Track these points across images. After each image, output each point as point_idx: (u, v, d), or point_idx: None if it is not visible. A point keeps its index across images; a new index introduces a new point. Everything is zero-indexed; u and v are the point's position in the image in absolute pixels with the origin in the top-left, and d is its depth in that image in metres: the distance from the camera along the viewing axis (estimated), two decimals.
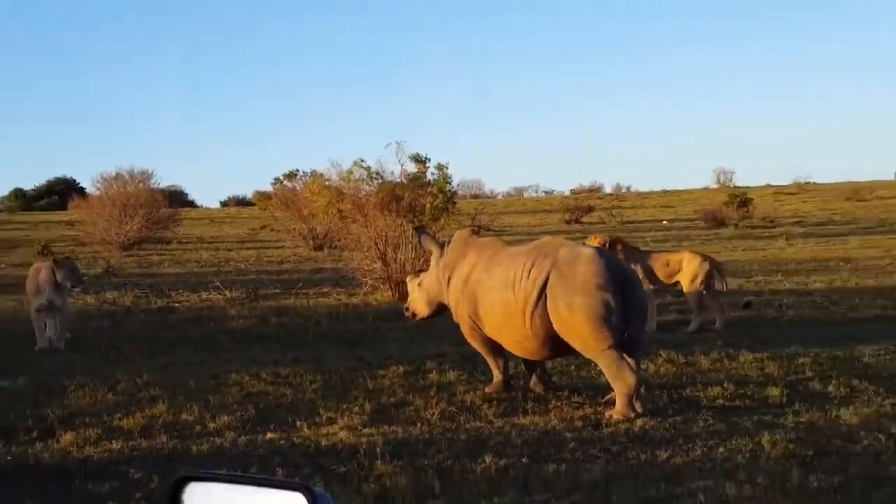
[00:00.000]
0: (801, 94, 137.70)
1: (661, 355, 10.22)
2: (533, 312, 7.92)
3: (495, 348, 8.76)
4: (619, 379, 7.63)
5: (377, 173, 18.43)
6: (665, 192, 71.89)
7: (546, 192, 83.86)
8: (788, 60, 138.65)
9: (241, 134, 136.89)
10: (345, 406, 8.23)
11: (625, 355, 7.68)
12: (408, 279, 10.30)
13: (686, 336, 12.21)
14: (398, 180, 18.34)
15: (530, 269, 8.04)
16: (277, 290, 17.95)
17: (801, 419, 7.54)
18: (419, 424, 7.58)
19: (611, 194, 72.66)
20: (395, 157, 18.52)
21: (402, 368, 9.80)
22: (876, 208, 49.15)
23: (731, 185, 69.71)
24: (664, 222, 44.30)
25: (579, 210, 46.15)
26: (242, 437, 7.26)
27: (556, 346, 8.05)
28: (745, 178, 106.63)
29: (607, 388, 8.11)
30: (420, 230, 10.84)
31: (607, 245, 12.66)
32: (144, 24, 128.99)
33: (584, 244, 8.99)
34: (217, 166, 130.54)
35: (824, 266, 21.98)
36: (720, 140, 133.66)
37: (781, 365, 9.73)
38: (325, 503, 1.77)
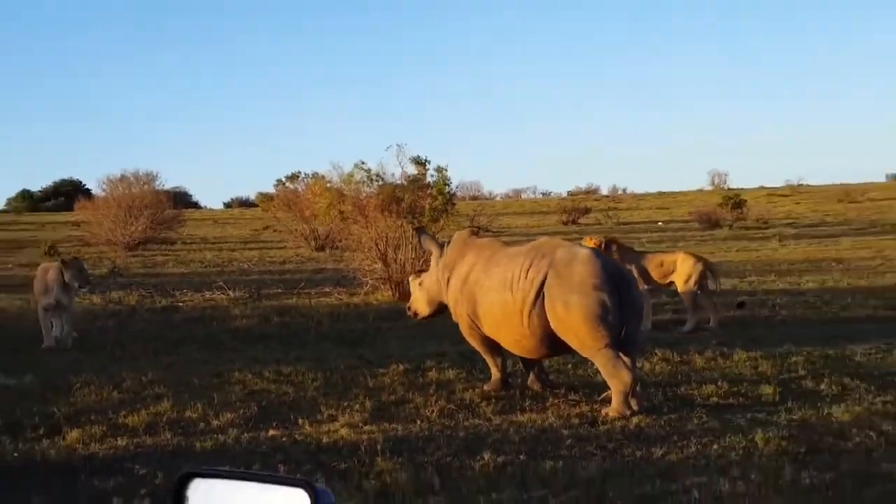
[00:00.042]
0: (794, 97, 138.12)
1: (656, 354, 10.23)
2: (531, 312, 7.93)
3: (493, 347, 8.76)
4: (616, 377, 7.63)
5: (377, 175, 18.44)
6: (660, 194, 71.89)
7: (543, 194, 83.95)
8: (782, 65, 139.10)
9: (244, 136, 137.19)
10: (346, 404, 8.24)
11: (621, 354, 7.68)
12: (410, 279, 10.30)
13: (681, 335, 12.21)
14: (398, 182, 18.34)
15: (528, 270, 8.04)
16: (280, 290, 17.94)
17: (794, 417, 7.54)
18: (419, 422, 7.59)
19: (607, 196, 72.76)
20: (396, 160, 18.52)
21: (402, 367, 9.80)
22: (867, 210, 49.14)
23: (726, 187, 69.73)
24: (660, 223, 44.29)
25: (576, 211, 46.16)
26: (245, 435, 7.26)
27: (553, 344, 8.06)
28: (739, 180, 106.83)
29: (604, 387, 8.11)
30: (420, 231, 10.84)
31: (603, 246, 12.65)
32: (149, 26, 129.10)
33: (580, 245, 8.99)
34: (220, 168, 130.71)
35: (817, 267, 21.97)
36: (715, 143, 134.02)
37: (774, 364, 9.73)
38: (327, 499, 1.77)
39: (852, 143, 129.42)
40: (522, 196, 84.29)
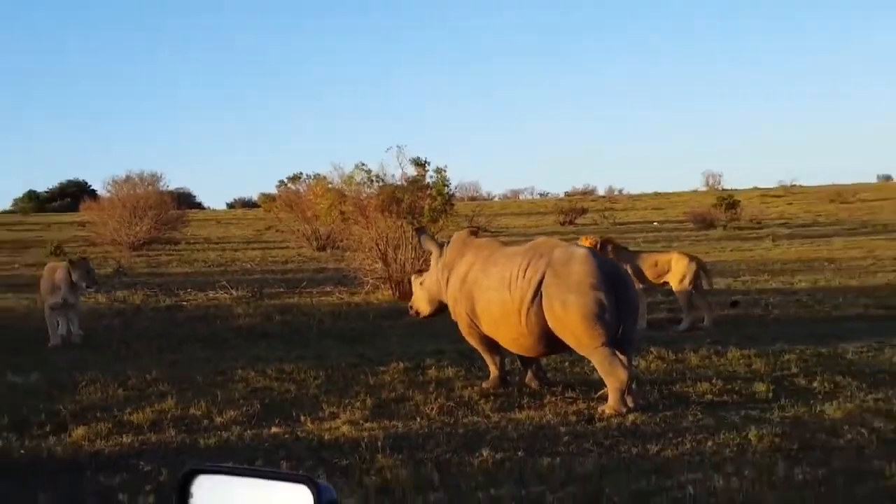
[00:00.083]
0: (788, 99, 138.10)
1: (651, 352, 10.23)
2: (528, 310, 7.93)
3: (492, 345, 8.76)
4: (612, 375, 7.64)
5: (378, 176, 18.45)
6: (656, 195, 71.90)
7: (541, 195, 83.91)
8: (775, 67, 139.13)
9: (247, 137, 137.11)
10: (347, 401, 8.24)
11: (617, 352, 7.69)
12: (412, 278, 10.30)
13: (676, 333, 12.21)
14: (398, 183, 18.34)
15: (526, 269, 8.04)
16: (282, 290, 17.94)
17: (787, 414, 7.55)
18: (419, 419, 7.59)
19: (604, 196, 72.75)
20: (396, 161, 18.53)
21: (402, 365, 9.80)
22: (859, 210, 49.15)
23: (720, 188, 69.62)
24: (655, 224, 44.27)
25: (573, 212, 46.14)
26: (248, 432, 7.26)
27: (550, 343, 8.06)
28: (733, 181, 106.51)
29: (600, 384, 8.11)
30: (420, 231, 10.84)
31: (598, 245, 12.65)
32: (152, 28, 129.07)
33: (576, 245, 8.99)
34: (223, 169, 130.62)
35: (809, 266, 21.97)
36: (709, 144, 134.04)
37: (768, 362, 9.73)
38: (329, 495, 1.77)
39: (844, 145, 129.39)
40: (520, 197, 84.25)
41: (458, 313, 8.89)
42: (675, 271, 12.98)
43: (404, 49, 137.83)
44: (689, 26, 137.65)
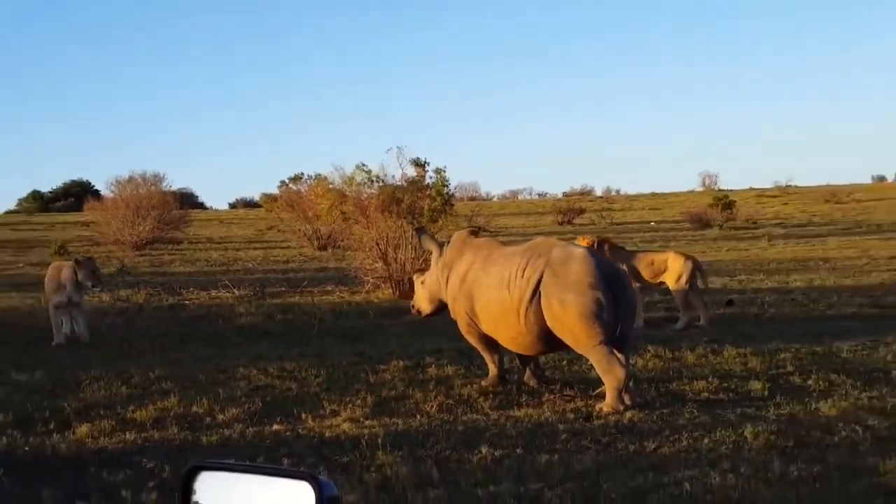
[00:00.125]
0: (783, 101, 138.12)
1: (648, 351, 10.22)
2: (527, 309, 7.93)
3: (491, 344, 8.76)
4: (610, 373, 7.64)
5: (378, 177, 18.46)
6: (653, 195, 71.90)
7: (539, 195, 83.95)
8: (771, 69, 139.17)
9: (248, 138, 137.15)
10: (347, 399, 8.23)
11: (614, 351, 7.69)
12: (414, 277, 10.30)
13: (672, 332, 12.20)
14: (398, 183, 18.34)
15: (525, 269, 8.04)
16: (283, 289, 17.94)
17: (782, 411, 7.54)
18: (418, 416, 7.59)
19: (601, 197, 72.80)
20: (396, 161, 18.54)
21: (402, 363, 9.80)
22: (853, 211, 49.16)
23: (716, 189, 69.69)
24: (652, 224, 44.28)
25: (571, 212, 46.16)
26: (250, 429, 7.26)
27: (548, 341, 8.06)
28: (729, 181, 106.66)
29: (598, 382, 8.11)
30: (420, 231, 10.83)
31: (595, 245, 12.65)
32: (154, 30, 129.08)
33: (574, 244, 8.99)
34: (225, 170, 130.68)
35: (804, 266, 21.97)
36: (705, 145, 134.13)
37: (763, 360, 9.73)
38: (330, 491, 1.77)
39: (839, 146, 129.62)
40: (519, 197, 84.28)
41: (458, 312, 8.89)
42: (672, 270, 12.98)
43: (404, 50, 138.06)
44: (687, 28, 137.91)
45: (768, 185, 73.35)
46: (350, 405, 7.98)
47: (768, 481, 5.62)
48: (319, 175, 29.47)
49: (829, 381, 8.67)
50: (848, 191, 60.52)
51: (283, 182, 36.89)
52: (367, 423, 7.37)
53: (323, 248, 28.86)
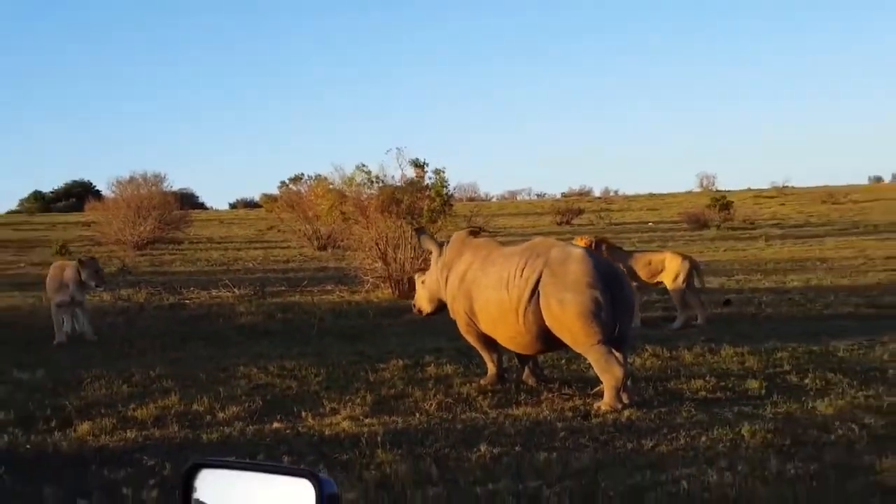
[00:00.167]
0: (781, 102, 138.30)
1: (646, 350, 10.23)
2: (526, 309, 7.93)
3: (490, 343, 8.76)
4: (608, 372, 7.64)
5: (377, 177, 18.46)
6: (651, 196, 71.90)
7: (538, 195, 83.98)
8: (768, 71, 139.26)
9: (249, 139, 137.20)
10: (347, 397, 8.23)
11: (613, 350, 7.69)
12: (416, 277, 10.30)
13: (670, 331, 12.20)
14: (398, 184, 18.34)
15: (523, 269, 8.04)
16: (283, 288, 17.94)
17: (779, 410, 7.54)
18: (418, 415, 7.58)
19: (599, 197, 72.82)
20: (396, 162, 18.54)
21: (401, 362, 9.80)
22: (850, 211, 49.17)
23: (714, 189, 69.72)
24: (650, 224, 44.29)
25: (570, 212, 46.15)
26: (250, 427, 7.26)
27: (547, 340, 8.06)
28: (727, 182, 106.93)
29: (596, 381, 8.12)
30: (420, 231, 10.84)
31: (593, 245, 12.66)
32: (155, 31, 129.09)
33: (572, 244, 8.99)
34: (226, 170, 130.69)
35: (801, 266, 21.97)
36: (703, 146, 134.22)
37: (760, 359, 9.73)
38: (330, 489, 1.77)
39: (836, 147, 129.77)
40: (518, 197, 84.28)
41: (457, 311, 8.89)
42: (669, 270, 12.97)
43: (404, 50, 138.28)
44: (685, 29, 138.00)
45: (766, 186, 73.47)
46: (350, 403, 7.98)
47: (765, 479, 5.63)
48: (319, 175, 29.49)
49: (825, 379, 8.67)
50: (845, 191, 60.54)
51: (283, 182, 36.96)
52: (367, 421, 7.37)
53: (323, 248, 28.85)
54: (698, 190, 72.92)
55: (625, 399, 7.68)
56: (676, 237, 34.70)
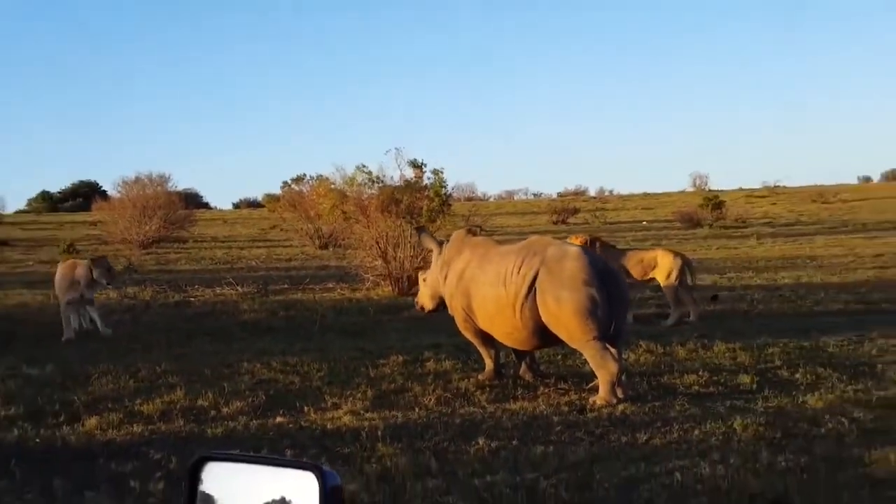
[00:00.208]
0: (773, 103, 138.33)
1: (640, 346, 10.23)
2: (522, 306, 7.94)
3: (487, 339, 8.77)
4: (603, 367, 7.64)
5: (378, 178, 18.47)
6: (645, 195, 71.95)
7: (535, 195, 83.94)
8: (760, 72, 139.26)
9: (252, 139, 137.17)
10: (348, 392, 8.24)
11: (607, 345, 7.69)
12: (418, 275, 10.31)
13: (664, 328, 12.21)
14: (397, 184, 18.36)
15: (520, 266, 8.05)
16: (286, 286, 17.93)
17: (771, 404, 7.56)
18: (417, 409, 7.59)
19: (595, 197, 72.77)
20: (395, 163, 18.57)
21: (401, 358, 9.80)
22: (840, 210, 49.23)
23: (706, 189, 69.71)
24: (644, 223, 44.30)
25: (565, 211, 46.15)
26: (254, 421, 7.26)
27: (543, 336, 8.06)
28: (719, 182, 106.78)
29: (591, 376, 8.12)
30: (420, 230, 10.85)
31: (588, 243, 12.67)
32: (158, 33, 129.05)
33: (567, 243, 9.00)
34: (229, 170, 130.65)
35: (792, 263, 21.99)
36: (696, 147, 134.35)
37: (752, 354, 9.74)
38: (333, 481, 1.77)
39: (826, 147, 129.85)
40: (515, 197, 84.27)
41: (455, 308, 8.89)
42: (662, 267, 12.98)
43: (403, 53, 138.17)
44: (679, 32, 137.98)
45: (757, 186, 73.47)
46: (351, 398, 7.98)
47: (757, 471, 5.63)
48: (321, 176, 29.54)
49: (815, 374, 8.68)
50: (835, 191, 60.58)
51: (285, 182, 36.94)
52: (368, 415, 7.38)
53: (324, 246, 28.84)
54: (691, 190, 72.94)
55: (619, 394, 7.69)
56: (670, 236, 34.71)
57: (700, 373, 8.74)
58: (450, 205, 18.81)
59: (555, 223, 43.60)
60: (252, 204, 72.45)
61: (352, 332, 12.52)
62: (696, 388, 8.25)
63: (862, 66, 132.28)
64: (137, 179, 35.77)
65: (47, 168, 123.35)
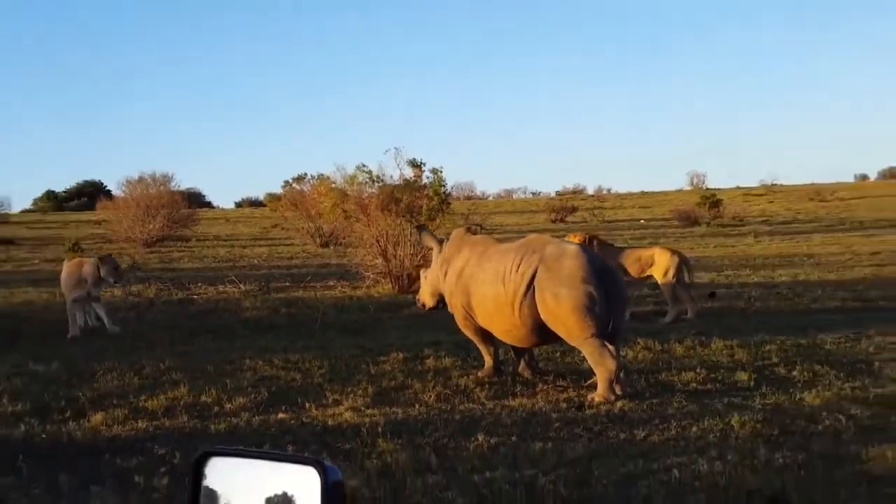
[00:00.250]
0: (769, 101, 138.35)
1: (638, 343, 10.24)
2: (521, 303, 7.94)
3: (486, 336, 8.77)
4: (601, 364, 7.65)
5: (378, 177, 18.45)
6: (643, 194, 71.94)
7: (533, 194, 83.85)
8: (757, 71, 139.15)
9: (253, 139, 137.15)
10: (349, 389, 8.24)
11: (606, 343, 7.69)
12: (421, 273, 10.31)
13: (661, 325, 12.22)
14: (397, 183, 18.34)
15: (519, 264, 8.05)
16: (287, 284, 17.93)
17: (768, 401, 7.55)
18: (417, 406, 7.59)
19: (593, 195, 72.72)
20: (395, 162, 18.54)
21: (401, 355, 9.81)
22: (837, 208, 49.20)
23: (704, 187, 69.66)
24: (641, 221, 44.28)
25: (564, 210, 46.12)
26: (256, 418, 7.27)
27: (542, 334, 8.07)
28: (717, 180, 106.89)
29: (590, 373, 8.12)
30: (421, 228, 10.85)
31: (586, 241, 12.67)
32: (160, 34, 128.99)
33: (566, 241, 9.00)
34: (231, 170, 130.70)
35: (789, 261, 21.99)
36: (694, 146, 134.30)
37: (750, 352, 9.74)
38: (335, 476, 1.78)
39: (823, 146, 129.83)
40: (514, 196, 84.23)
41: (455, 306, 8.89)
42: (659, 265, 12.97)
43: (403, 53, 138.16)
44: (676, 30, 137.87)
45: (754, 184, 73.46)
46: (352, 395, 7.99)
47: (754, 468, 5.63)
48: (322, 175, 29.42)
49: (813, 371, 8.68)
50: (832, 189, 60.54)
51: (286, 182, 36.80)
52: (368, 412, 7.38)
53: (325, 245, 28.84)
54: (689, 188, 72.89)
55: (618, 391, 7.69)
56: (668, 234, 34.69)
57: (698, 370, 8.74)
58: (449, 203, 18.76)
59: (553, 222, 43.59)
60: (254, 203, 72.44)
61: (352, 329, 12.52)
62: (694, 385, 8.25)
63: (859, 64, 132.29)
64: (141, 179, 35.80)
65: (53, 168, 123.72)
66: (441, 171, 18.17)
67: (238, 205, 76.88)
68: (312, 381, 8.73)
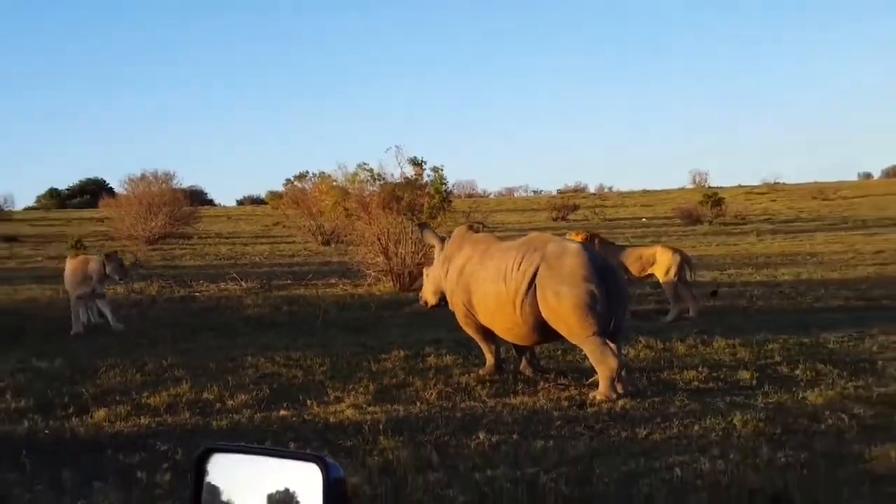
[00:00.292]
0: (772, 100, 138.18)
1: (640, 341, 10.23)
2: (523, 301, 7.93)
3: (488, 334, 8.77)
4: (603, 363, 7.64)
5: (379, 175, 18.47)
6: (645, 192, 71.87)
7: (535, 192, 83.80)
8: (760, 69, 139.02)
9: (255, 138, 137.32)
10: (351, 386, 8.25)
11: (607, 341, 7.69)
12: (423, 271, 10.31)
13: (663, 324, 12.20)
14: (398, 181, 18.35)
15: (521, 262, 8.05)
16: (289, 282, 17.94)
17: (770, 400, 7.55)
18: (418, 404, 7.59)
19: (594, 194, 72.74)
20: (396, 160, 18.56)
21: (402, 353, 9.81)
22: (840, 207, 49.15)
23: (706, 186, 69.62)
24: (644, 220, 44.25)
25: (565, 208, 46.10)
26: (258, 414, 7.28)
27: (543, 332, 8.06)
28: (719, 178, 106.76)
29: (591, 371, 8.12)
30: (423, 226, 10.86)
31: (588, 240, 12.66)
32: (162, 35, 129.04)
33: (567, 239, 9.00)
34: (233, 168, 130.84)
35: (792, 260, 21.97)
36: (696, 144, 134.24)
37: (752, 350, 9.74)
38: (337, 473, 1.78)
39: (826, 144, 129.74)
40: (515, 194, 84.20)
41: (456, 304, 8.89)
42: (661, 263, 12.95)
43: (404, 52, 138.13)
44: (678, 29, 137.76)
45: (757, 183, 73.30)
46: (353, 392, 7.99)
47: (756, 467, 5.63)
48: (323, 173, 29.47)
49: (815, 370, 8.67)
50: (835, 188, 60.43)
51: (288, 180, 36.74)
52: (370, 409, 7.38)
53: (327, 243, 28.85)
54: (691, 186, 72.83)
55: (619, 389, 7.69)
56: (670, 232, 34.66)
57: (700, 369, 8.73)
58: (450, 201, 18.80)
59: (554, 220, 43.57)
60: (255, 201, 72.48)
61: (354, 327, 12.52)
62: (696, 383, 8.25)
63: (862, 62, 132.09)
64: (143, 177, 35.80)
65: (56, 166, 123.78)
66: (442, 170, 18.23)
67: (240, 202, 76.96)
68: (314, 379, 8.73)
